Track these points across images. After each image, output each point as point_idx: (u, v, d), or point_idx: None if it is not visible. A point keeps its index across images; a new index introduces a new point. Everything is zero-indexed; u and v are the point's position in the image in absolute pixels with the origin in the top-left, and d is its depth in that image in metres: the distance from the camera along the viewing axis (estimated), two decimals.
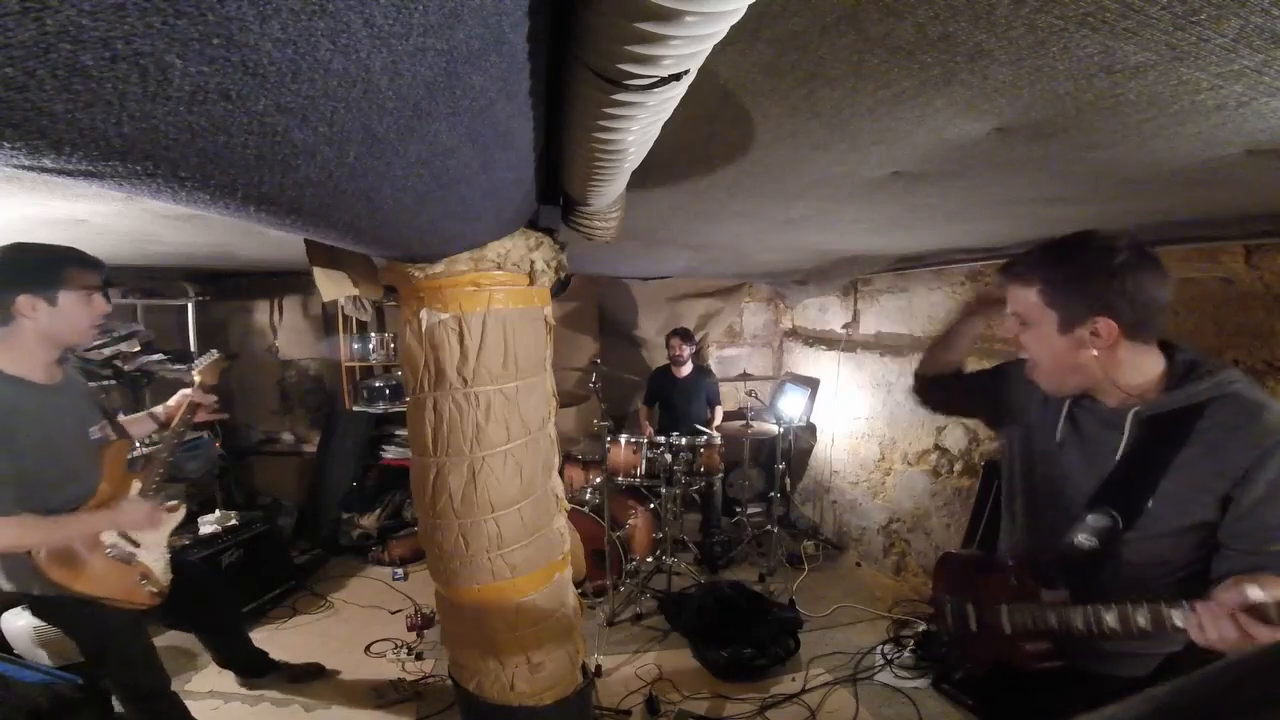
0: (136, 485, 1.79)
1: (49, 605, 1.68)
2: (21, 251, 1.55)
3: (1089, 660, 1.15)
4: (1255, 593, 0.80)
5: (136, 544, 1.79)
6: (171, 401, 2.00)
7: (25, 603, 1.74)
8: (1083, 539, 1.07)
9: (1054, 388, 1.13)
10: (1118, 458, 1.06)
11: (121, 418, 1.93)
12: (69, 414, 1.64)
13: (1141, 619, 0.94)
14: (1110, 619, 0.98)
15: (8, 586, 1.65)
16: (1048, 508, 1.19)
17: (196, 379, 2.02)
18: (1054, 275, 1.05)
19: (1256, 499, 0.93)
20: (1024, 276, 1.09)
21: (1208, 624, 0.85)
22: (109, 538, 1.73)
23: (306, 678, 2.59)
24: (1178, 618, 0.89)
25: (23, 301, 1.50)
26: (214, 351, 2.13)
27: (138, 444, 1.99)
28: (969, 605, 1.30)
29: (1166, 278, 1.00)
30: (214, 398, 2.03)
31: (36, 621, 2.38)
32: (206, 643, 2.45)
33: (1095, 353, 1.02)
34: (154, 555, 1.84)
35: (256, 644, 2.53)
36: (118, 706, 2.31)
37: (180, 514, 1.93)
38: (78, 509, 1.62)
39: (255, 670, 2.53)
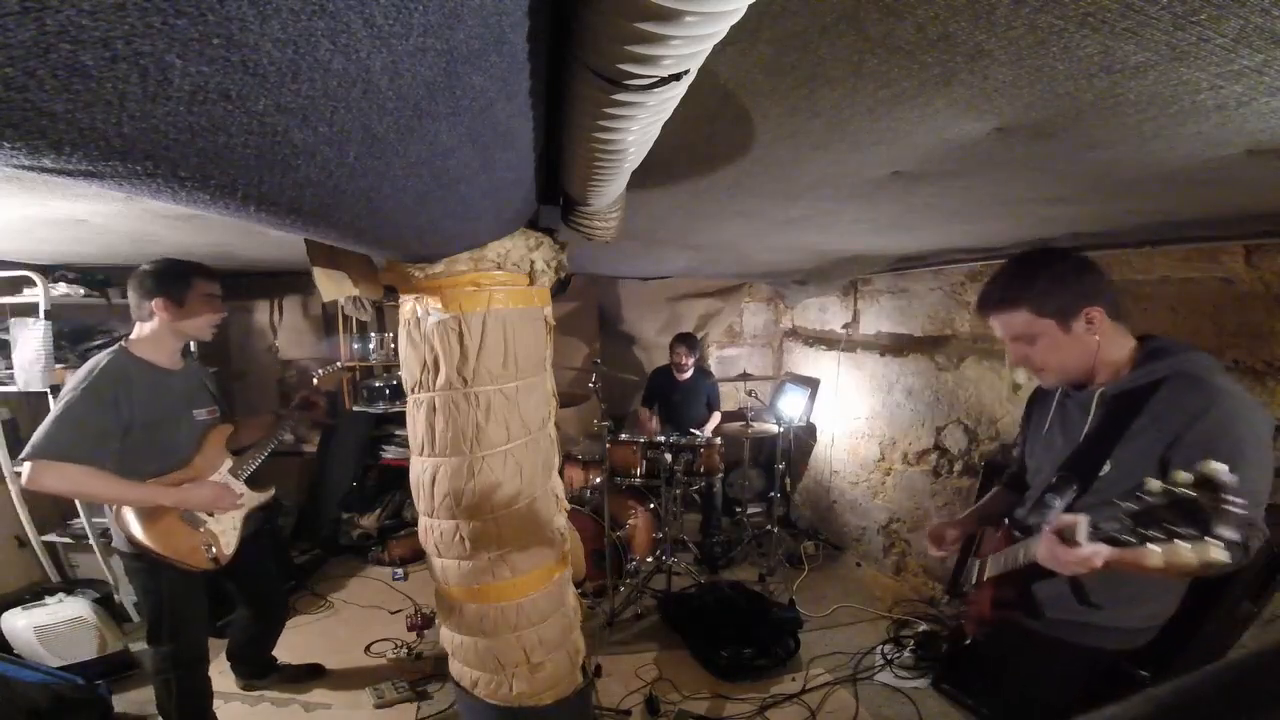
0: (228, 464, 2.07)
1: (129, 562, 1.93)
2: (162, 265, 1.91)
3: (1059, 630, 1.31)
4: (1065, 518, 1.03)
5: (210, 513, 1.99)
6: (295, 401, 2.37)
7: (122, 560, 1.99)
8: (1050, 499, 1.28)
9: (1064, 379, 1.28)
10: (1084, 431, 1.25)
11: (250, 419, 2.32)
12: (180, 395, 1.96)
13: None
14: (1023, 553, 1.22)
15: (115, 544, 1.93)
16: (1040, 482, 1.39)
17: (316, 381, 2.38)
18: (1035, 290, 1.20)
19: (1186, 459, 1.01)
20: (1009, 302, 1.23)
21: (1040, 543, 1.08)
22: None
23: (306, 678, 2.60)
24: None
25: (158, 303, 1.87)
26: (336, 364, 2.58)
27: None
28: (974, 563, 1.55)
29: (1097, 264, 1.22)
30: (326, 402, 2.37)
31: (37, 621, 2.39)
32: (241, 626, 2.46)
33: (1096, 337, 1.19)
34: (223, 527, 2.02)
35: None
36: (118, 707, 2.32)
37: (268, 495, 2.19)
38: (170, 474, 1.89)
39: (260, 671, 2.54)
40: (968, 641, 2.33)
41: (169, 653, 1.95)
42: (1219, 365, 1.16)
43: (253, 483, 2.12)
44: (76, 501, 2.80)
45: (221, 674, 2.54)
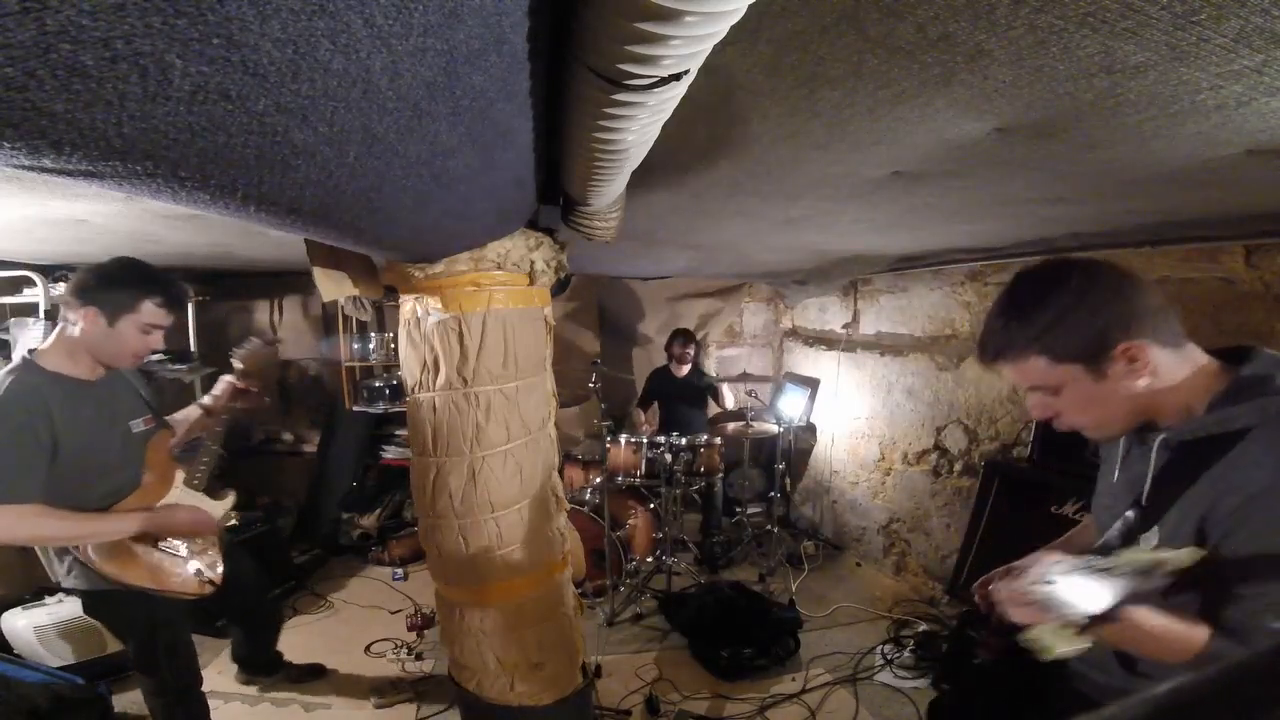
0: (180, 475, 1.80)
1: (99, 599, 1.69)
2: (115, 269, 1.60)
3: (1100, 694, 1.08)
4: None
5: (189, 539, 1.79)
6: (217, 390, 1.98)
7: (80, 598, 1.75)
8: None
9: (1117, 431, 0.96)
10: (1145, 490, 0.93)
11: (174, 415, 1.96)
12: (106, 407, 1.65)
13: None
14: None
15: (61, 580, 1.68)
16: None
17: (238, 365, 1.98)
18: (1042, 326, 0.87)
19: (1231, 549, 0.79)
20: (1014, 349, 0.91)
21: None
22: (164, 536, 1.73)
23: (309, 678, 2.59)
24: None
25: (88, 313, 1.55)
26: (253, 338, 2.07)
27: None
28: None
29: (1133, 275, 0.89)
30: (256, 383, 2.00)
31: (37, 621, 2.39)
32: (238, 633, 2.45)
33: (1144, 379, 0.85)
34: (204, 546, 1.82)
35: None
36: (118, 707, 2.32)
37: (230, 500, 1.91)
38: (120, 500, 1.64)
39: (266, 670, 2.53)
40: (977, 660, 2.22)
41: (167, 680, 1.83)
42: None
43: (211, 490, 1.88)
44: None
45: (221, 673, 2.55)
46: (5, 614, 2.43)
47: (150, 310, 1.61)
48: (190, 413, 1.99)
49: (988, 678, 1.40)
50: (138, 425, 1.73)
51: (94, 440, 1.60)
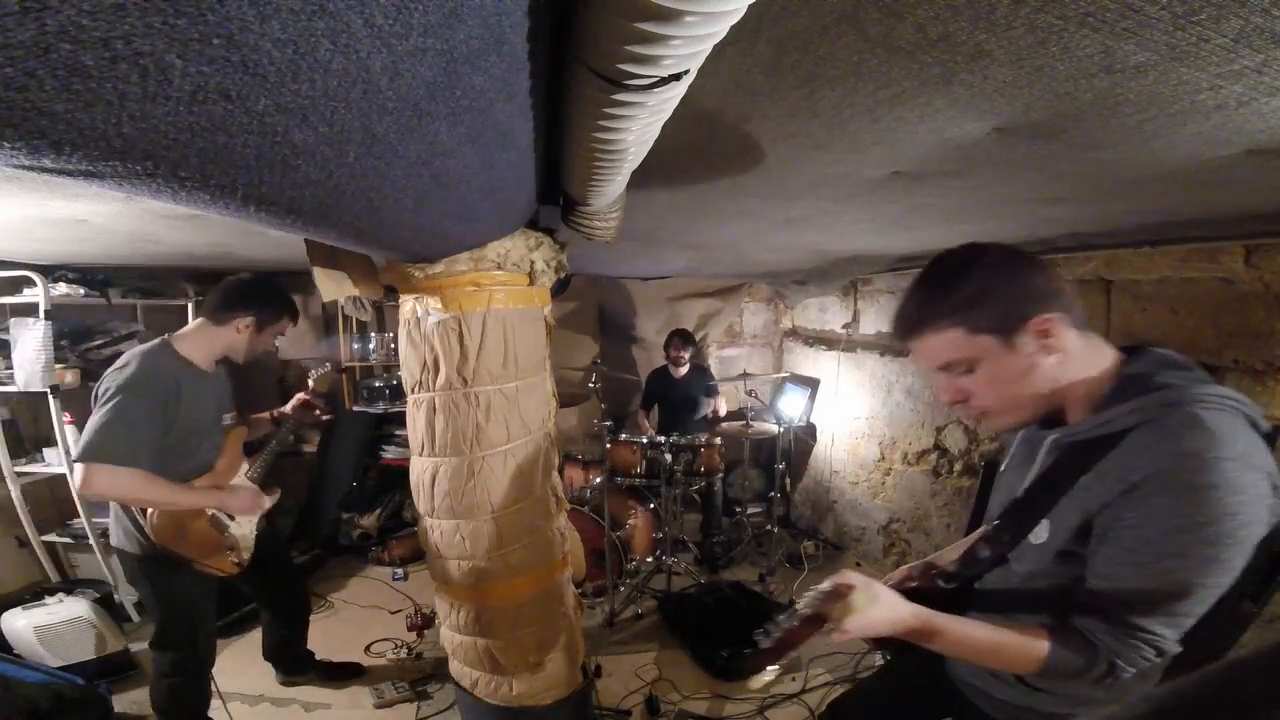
0: (245, 467, 2.08)
1: (147, 565, 1.84)
2: (273, 287, 1.96)
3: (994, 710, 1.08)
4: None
5: (232, 517, 1.99)
6: (292, 402, 2.29)
7: (125, 562, 1.91)
8: (980, 549, 1.05)
9: (1024, 418, 0.95)
10: (1025, 485, 0.96)
11: (254, 416, 2.26)
12: (213, 399, 1.94)
13: None
14: None
15: (116, 541, 1.87)
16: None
17: (311, 384, 2.35)
18: (964, 296, 0.88)
19: (1106, 530, 0.82)
20: (932, 319, 0.91)
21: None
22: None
23: (344, 676, 2.60)
24: None
25: (243, 320, 1.89)
26: (327, 364, 2.53)
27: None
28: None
29: (1043, 260, 0.91)
30: (323, 403, 2.35)
31: (37, 621, 2.39)
32: (271, 625, 2.48)
33: (1054, 356, 0.87)
34: (244, 530, 2.03)
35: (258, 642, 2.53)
36: (118, 707, 2.32)
37: (276, 496, 2.14)
38: (196, 477, 1.87)
39: (299, 668, 2.55)
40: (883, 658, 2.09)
41: (183, 658, 1.92)
42: (1224, 401, 0.80)
43: (262, 485, 2.13)
44: (77, 502, 2.80)
45: (220, 674, 2.55)
46: (5, 614, 2.43)
47: (288, 325, 2.02)
48: (261, 418, 2.28)
49: (890, 680, 1.41)
50: (227, 419, 2.02)
51: (198, 424, 1.85)
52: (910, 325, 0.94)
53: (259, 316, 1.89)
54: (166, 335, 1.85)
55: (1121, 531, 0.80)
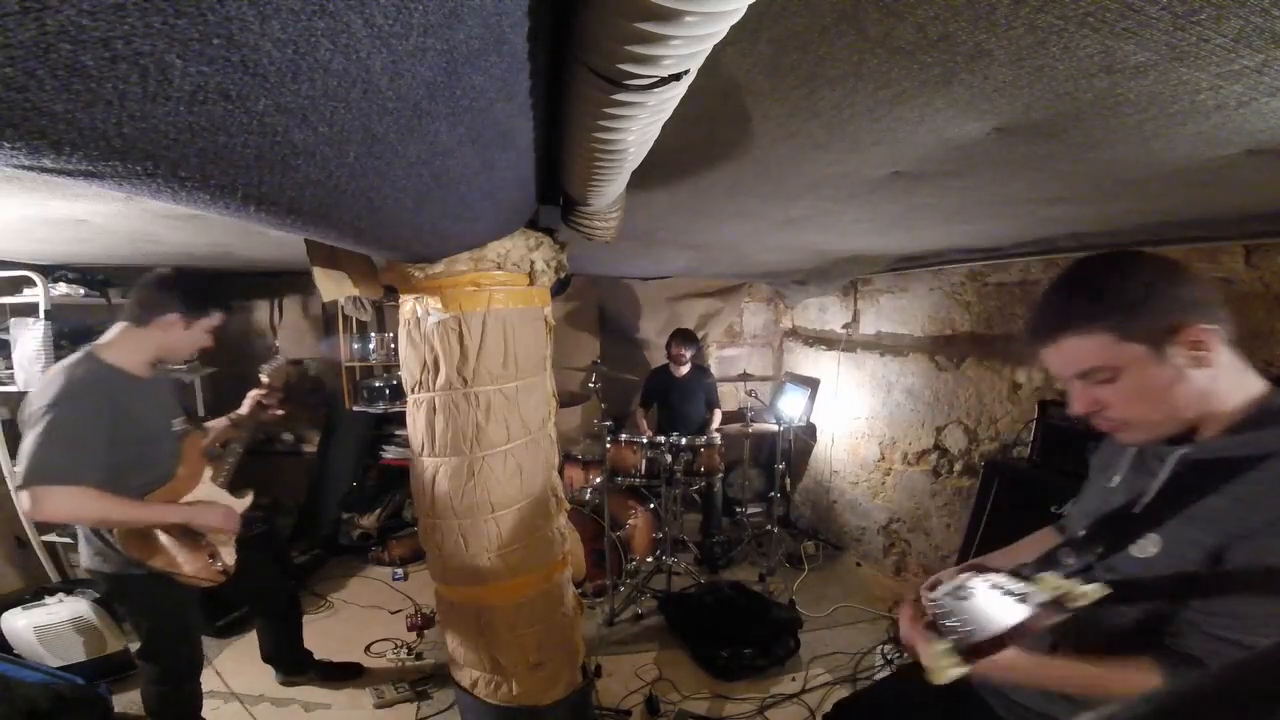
0: (209, 472, 1.96)
1: (123, 582, 1.78)
2: (195, 278, 1.81)
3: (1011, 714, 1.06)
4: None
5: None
6: (244, 405, 2.20)
7: (102, 581, 1.83)
8: (1063, 555, 0.97)
9: (1161, 433, 0.88)
10: (1148, 497, 0.89)
11: (209, 424, 2.14)
12: (156, 405, 1.82)
13: None
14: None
15: (84, 564, 1.78)
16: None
17: (265, 380, 2.20)
18: (1114, 300, 0.83)
19: (1254, 555, 0.76)
20: (1077, 322, 0.85)
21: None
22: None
23: (343, 676, 2.59)
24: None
25: (169, 319, 1.74)
26: (280, 357, 2.39)
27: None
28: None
29: (1204, 278, 0.86)
30: (278, 398, 2.23)
31: (37, 621, 2.39)
32: (264, 629, 2.47)
33: (1204, 370, 0.81)
34: (222, 537, 1.95)
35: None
36: (118, 707, 2.32)
37: (249, 499, 2.05)
38: (155, 489, 1.77)
39: (298, 668, 2.54)
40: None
41: (171, 667, 1.89)
42: None
43: (232, 488, 2.03)
44: (25, 522, 2.74)
45: (219, 674, 2.55)
46: (5, 614, 2.43)
47: (219, 316, 1.87)
48: (219, 423, 2.17)
49: (899, 683, 1.37)
50: (177, 424, 1.89)
51: (144, 433, 1.74)
52: (1051, 328, 0.88)
53: (183, 313, 1.75)
54: (89, 346, 1.72)
55: (1273, 559, 0.75)
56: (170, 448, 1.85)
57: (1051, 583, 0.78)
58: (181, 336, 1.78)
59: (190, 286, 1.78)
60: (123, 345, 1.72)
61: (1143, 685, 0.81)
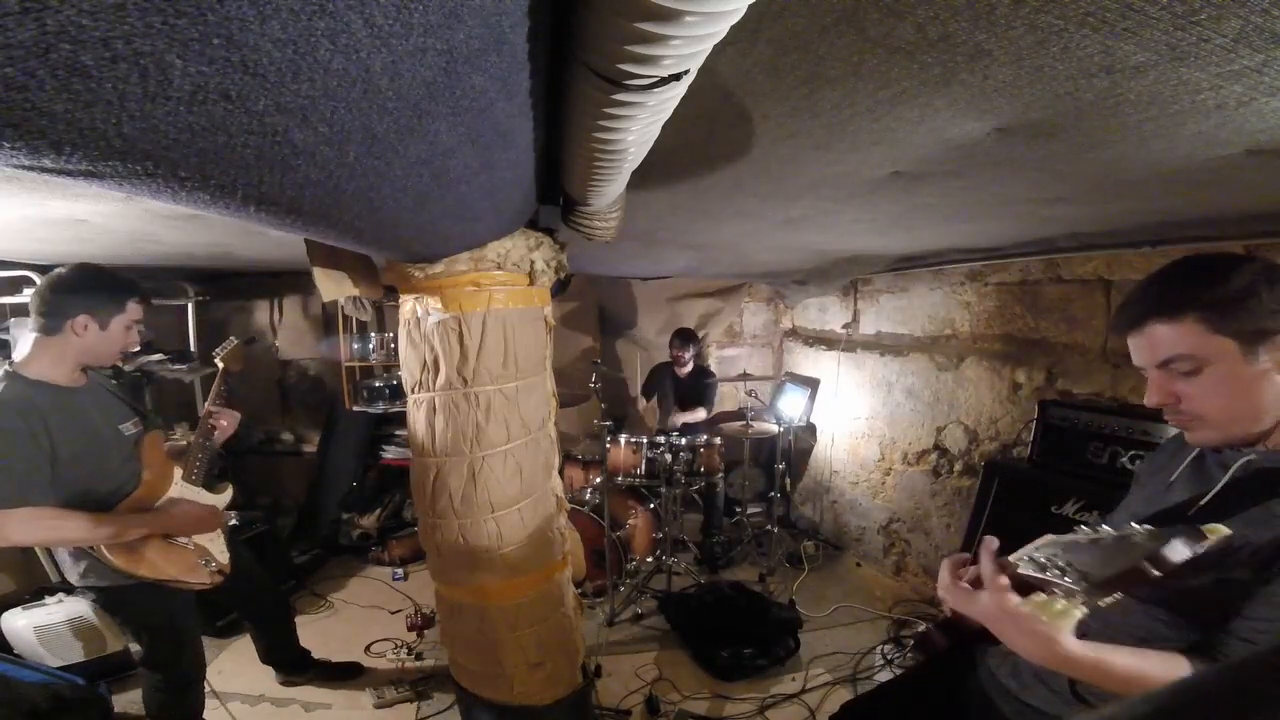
0: (178, 471, 1.85)
1: (115, 595, 1.74)
2: (95, 274, 1.66)
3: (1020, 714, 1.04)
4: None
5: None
6: (210, 395, 2.07)
7: (91, 595, 1.79)
8: None
9: (1225, 437, 0.87)
10: (1206, 500, 0.88)
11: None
12: (95, 411, 1.71)
13: None
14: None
15: (76, 581, 1.73)
16: None
17: (220, 365, 2.08)
18: (1214, 294, 0.81)
19: None
20: (1173, 308, 0.84)
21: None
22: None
23: (343, 676, 2.59)
24: None
25: (79, 321, 1.61)
26: (233, 338, 2.19)
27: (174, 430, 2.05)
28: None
29: None
30: (230, 384, 2.09)
31: (37, 621, 2.39)
32: (255, 632, 2.46)
33: None
34: (210, 536, 1.88)
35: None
36: (118, 707, 2.32)
37: (229, 493, 1.97)
38: (124, 499, 1.69)
39: (297, 667, 2.54)
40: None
41: (174, 674, 1.87)
42: None
43: (209, 485, 1.94)
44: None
45: (220, 674, 2.55)
46: (5, 614, 2.43)
47: (134, 309, 1.70)
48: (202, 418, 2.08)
49: (905, 686, 1.36)
50: (127, 428, 1.78)
51: (89, 444, 1.64)
52: (1144, 311, 0.87)
53: (92, 311, 1.61)
54: (7, 364, 1.64)
55: None
56: (124, 454, 1.73)
57: (1146, 529, 0.74)
58: (100, 338, 1.65)
59: (92, 283, 1.65)
60: (40, 358, 1.62)
61: (1175, 675, 0.79)
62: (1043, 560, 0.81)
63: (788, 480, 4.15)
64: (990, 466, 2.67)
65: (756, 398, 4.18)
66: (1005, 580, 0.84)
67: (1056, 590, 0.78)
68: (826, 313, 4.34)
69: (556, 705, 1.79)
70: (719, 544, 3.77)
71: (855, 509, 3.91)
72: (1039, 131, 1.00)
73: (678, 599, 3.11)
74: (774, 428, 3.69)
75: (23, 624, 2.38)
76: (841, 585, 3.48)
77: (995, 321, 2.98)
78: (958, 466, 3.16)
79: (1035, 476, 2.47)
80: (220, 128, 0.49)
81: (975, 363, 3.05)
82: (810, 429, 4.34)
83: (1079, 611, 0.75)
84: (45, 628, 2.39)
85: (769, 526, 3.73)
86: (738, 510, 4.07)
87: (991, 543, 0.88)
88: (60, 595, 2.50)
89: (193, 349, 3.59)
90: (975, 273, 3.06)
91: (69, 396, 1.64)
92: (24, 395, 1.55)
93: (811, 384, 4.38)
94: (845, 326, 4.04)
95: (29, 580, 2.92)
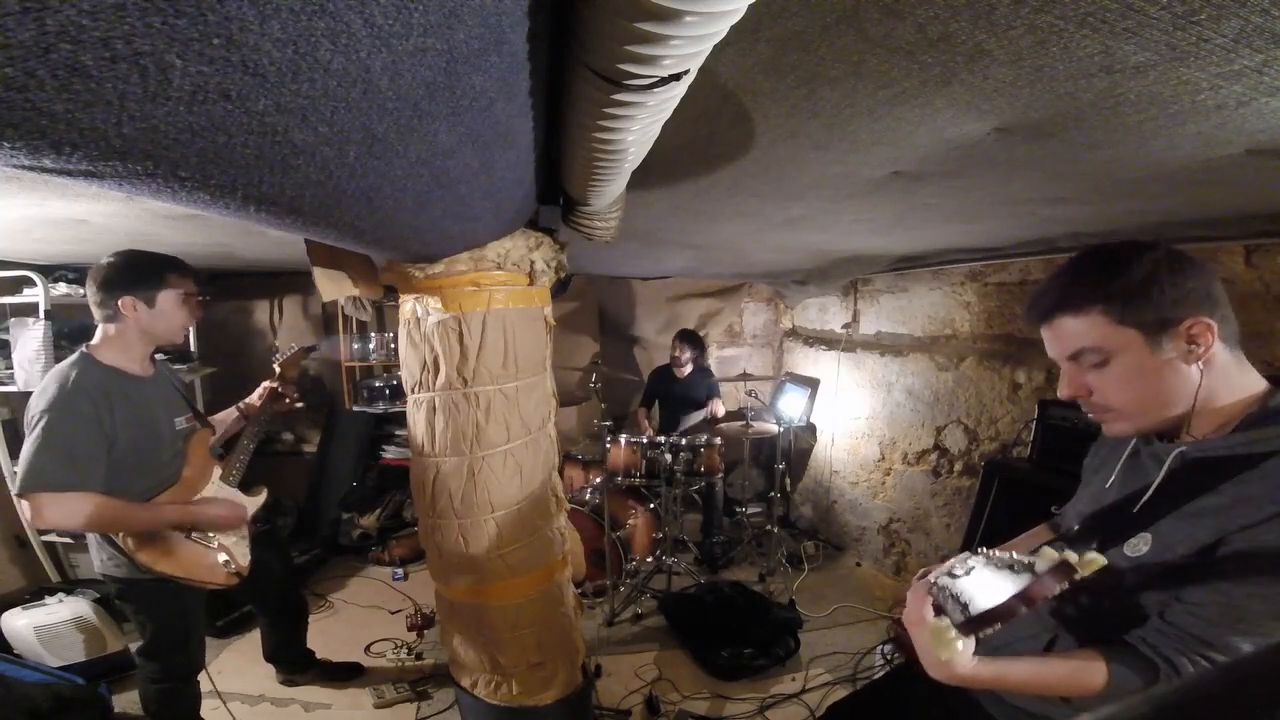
0: (217, 471, 1.89)
1: (134, 587, 1.76)
2: (129, 258, 1.70)
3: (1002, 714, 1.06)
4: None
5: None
6: (254, 394, 2.11)
7: (113, 584, 1.81)
8: (1058, 550, 0.97)
9: (1146, 424, 0.88)
10: (1148, 495, 0.88)
11: (214, 416, 2.07)
12: (159, 403, 1.77)
13: None
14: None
15: (98, 569, 1.77)
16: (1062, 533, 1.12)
17: (278, 370, 2.13)
18: (1115, 286, 0.82)
19: (1234, 554, 0.76)
20: (1075, 301, 0.84)
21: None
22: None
23: (344, 676, 2.59)
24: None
25: (126, 302, 1.65)
26: (294, 345, 2.26)
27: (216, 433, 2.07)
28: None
29: (1214, 272, 0.83)
30: (294, 388, 2.15)
31: (37, 621, 2.39)
32: (268, 629, 2.47)
33: (1196, 364, 0.81)
34: (234, 538, 1.89)
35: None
36: (118, 707, 2.32)
37: (263, 496, 2.00)
38: (161, 492, 1.73)
39: (299, 667, 2.54)
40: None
41: (171, 666, 1.87)
42: None
43: (244, 486, 1.98)
44: (28, 529, 2.74)
45: (220, 674, 2.55)
46: (5, 614, 2.43)
47: (176, 280, 1.73)
48: (228, 414, 2.11)
49: (895, 685, 1.35)
50: (181, 423, 1.83)
51: (146, 434, 1.69)
52: (1051, 305, 0.88)
53: (134, 291, 1.65)
54: (84, 347, 1.69)
55: (1261, 554, 0.75)
56: (175, 448, 1.79)
57: (1051, 554, 0.76)
58: (153, 316, 1.69)
59: (127, 266, 1.68)
60: (111, 344, 1.69)
61: (1091, 679, 0.82)
62: (943, 583, 0.84)
63: (788, 480, 4.14)
64: (990, 466, 2.67)
65: (756, 398, 4.18)
66: (919, 601, 0.87)
67: (947, 617, 0.81)
68: (826, 313, 4.34)
69: (556, 705, 1.79)
70: (719, 544, 3.77)
71: (855, 509, 3.91)
72: (1039, 131, 1.00)
73: (678, 599, 3.11)
74: (774, 428, 3.69)
75: (23, 624, 2.38)
76: (841, 585, 3.48)
77: (995, 321, 2.98)
78: (958, 466, 3.16)
79: (1035, 476, 2.47)
80: (220, 128, 0.49)
81: (975, 363, 3.05)
82: (810, 429, 4.34)
83: (961, 644, 0.78)
84: (45, 627, 2.39)
85: (769, 526, 3.73)
86: (738, 510, 4.07)
87: (923, 570, 0.90)
88: (60, 595, 2.50)
89: (193, 349, 3.59)
90: (975, 273, 3.06)
91: (137, 386, 1.70)
92: (94, 378, 1.61)
93: (811, 384, 4.38)
94: (845, 326, 4.04)
95: (29, 580, 2.92)
